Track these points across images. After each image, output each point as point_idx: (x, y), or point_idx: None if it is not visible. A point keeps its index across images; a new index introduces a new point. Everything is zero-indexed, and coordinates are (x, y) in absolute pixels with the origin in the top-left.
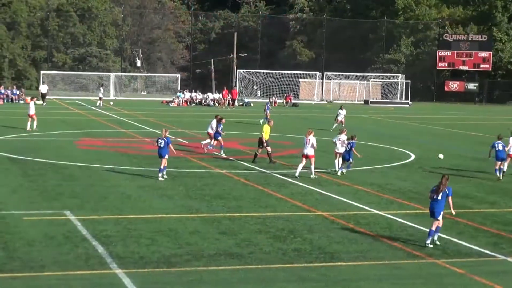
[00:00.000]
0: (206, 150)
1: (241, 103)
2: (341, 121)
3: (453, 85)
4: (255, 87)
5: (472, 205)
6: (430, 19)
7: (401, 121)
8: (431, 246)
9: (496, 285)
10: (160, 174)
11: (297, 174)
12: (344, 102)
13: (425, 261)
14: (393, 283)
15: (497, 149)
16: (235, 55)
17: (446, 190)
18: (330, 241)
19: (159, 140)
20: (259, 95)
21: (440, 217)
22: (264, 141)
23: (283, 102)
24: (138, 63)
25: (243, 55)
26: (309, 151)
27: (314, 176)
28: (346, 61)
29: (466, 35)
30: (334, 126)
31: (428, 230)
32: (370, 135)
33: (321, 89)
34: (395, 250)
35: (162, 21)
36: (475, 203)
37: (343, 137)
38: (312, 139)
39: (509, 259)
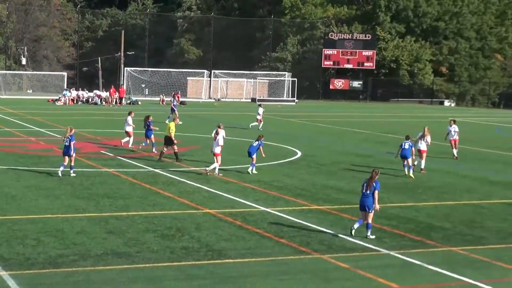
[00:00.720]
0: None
1: (128, 102)
2: (261, 120)
3: (338, 83)
4: (143, 85)
5: (357, 200)
6: (316, 18)
7: (288, 119)
8: (353, 234)
9: (379, 278)
10: (60, 169)
11: (216, 172)
12: (231, 100)
13: (311, 256)
14: (280, 279)
15: (403, 147)
16: (122, 53)
17: (374, 184)
18: (218, 238)
19: (65, 139)
20: (147, 93)
21: (372, 211)
22: (173, 139)
23: (171, 100)
24: (24, 61)
25: (130, 53)
26: (217, 149)
27: (217, 174)
28: (233, 59)
29: (350, 34)
30: (254, 124)
31: (313, 228)
32: (257, 133)
33: (209, 87)
34: (282, 246)
35: (48, 19)
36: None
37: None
38: (218, 137)
39: (391, 252)
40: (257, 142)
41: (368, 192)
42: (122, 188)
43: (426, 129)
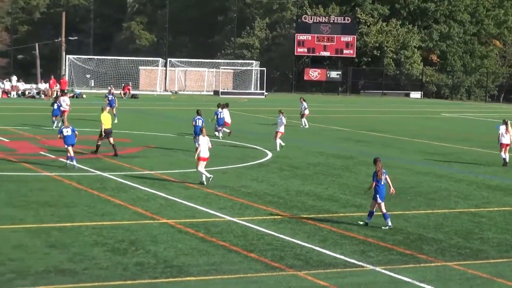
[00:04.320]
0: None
1: (71, 95)
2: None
3: (314, 73)
4: (88, 76)
5: (337, 208)
6: None
7: (256, 115)
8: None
9: None
10: (74, 163)
11: (203, 180)
12: (191, 93)
13: (285, 273)
14: None
15: (218, 117)
16: (63, 39)
17: (383, 170)
18: (178, 253)
19: (65, 129)
20: (92, 85)
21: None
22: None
23: (120, 93)
24: None
25: (73, 38)
26: (205, 153)
27: (210, 180)
28: (192, 46)
29: (327, 17)
30: (304, 123)
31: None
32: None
33: (164, 78)
34: (251, 262)
35: None
36: (339, 206)
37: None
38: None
39: (377, 268)
40: (201, 120)
41: (383, 182)
42: (66, 195)
43: (509, 123)
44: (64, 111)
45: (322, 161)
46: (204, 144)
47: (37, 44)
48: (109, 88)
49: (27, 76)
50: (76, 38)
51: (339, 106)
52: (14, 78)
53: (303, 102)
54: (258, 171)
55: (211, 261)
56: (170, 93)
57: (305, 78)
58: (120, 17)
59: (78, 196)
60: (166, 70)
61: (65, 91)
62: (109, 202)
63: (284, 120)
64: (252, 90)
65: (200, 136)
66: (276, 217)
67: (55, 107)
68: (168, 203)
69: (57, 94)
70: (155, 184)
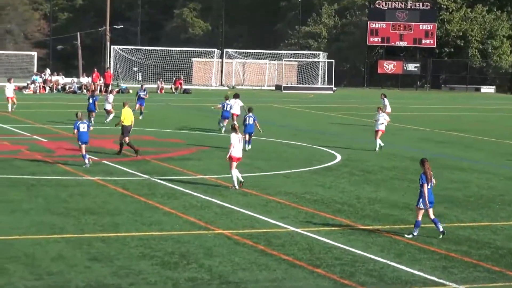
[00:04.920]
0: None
1: (117, 89)
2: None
3: (389, 66)
4: (135, 69)
5: (414, 219)
6: None
7: (324, 112)
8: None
9: None
10: (87, 161)
11: (235, 184)
12: (250, 87)
13: None
14: None
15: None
16: (108, 27)
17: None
18: (235, 267)
19: (81, 125)
20: (140, 78)
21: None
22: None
23: (171, 88)
24: None
25: (118, 27)
26: (239, 152)
27: (239, 184)
28: (252, 35)
29: (403, 2)
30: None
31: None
32: (283, 130)
33: (220, 71)
34: (318, 278)
35: None
36: None
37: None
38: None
39: (461, 287)
40: (252, 118)
41: (431, 186)
42: (110, 202)
43: None
44: (109, 111)
45: (397, 164)
46: (237, 143)
47: (78, 34)
48: (141, 83)
49: (68, 69)
50: (122, 26)
51: (417, 103)
52: (48, 71)
53: (384, 99)
54: (325, 176)
55: (272, 277)
56: (227, 88)
57: (378, 71)
58: (171, 3)
59: (123, 202)
60: (222, 62)
61: (110, 86)
62: (158, 209)
63: (386, 117)
64: (319, 85)
65: (233, 134)
66: (345, 228)
67: (91, 101)
68: (224, 211)
69: (94, 88)
70: (209, 189)
